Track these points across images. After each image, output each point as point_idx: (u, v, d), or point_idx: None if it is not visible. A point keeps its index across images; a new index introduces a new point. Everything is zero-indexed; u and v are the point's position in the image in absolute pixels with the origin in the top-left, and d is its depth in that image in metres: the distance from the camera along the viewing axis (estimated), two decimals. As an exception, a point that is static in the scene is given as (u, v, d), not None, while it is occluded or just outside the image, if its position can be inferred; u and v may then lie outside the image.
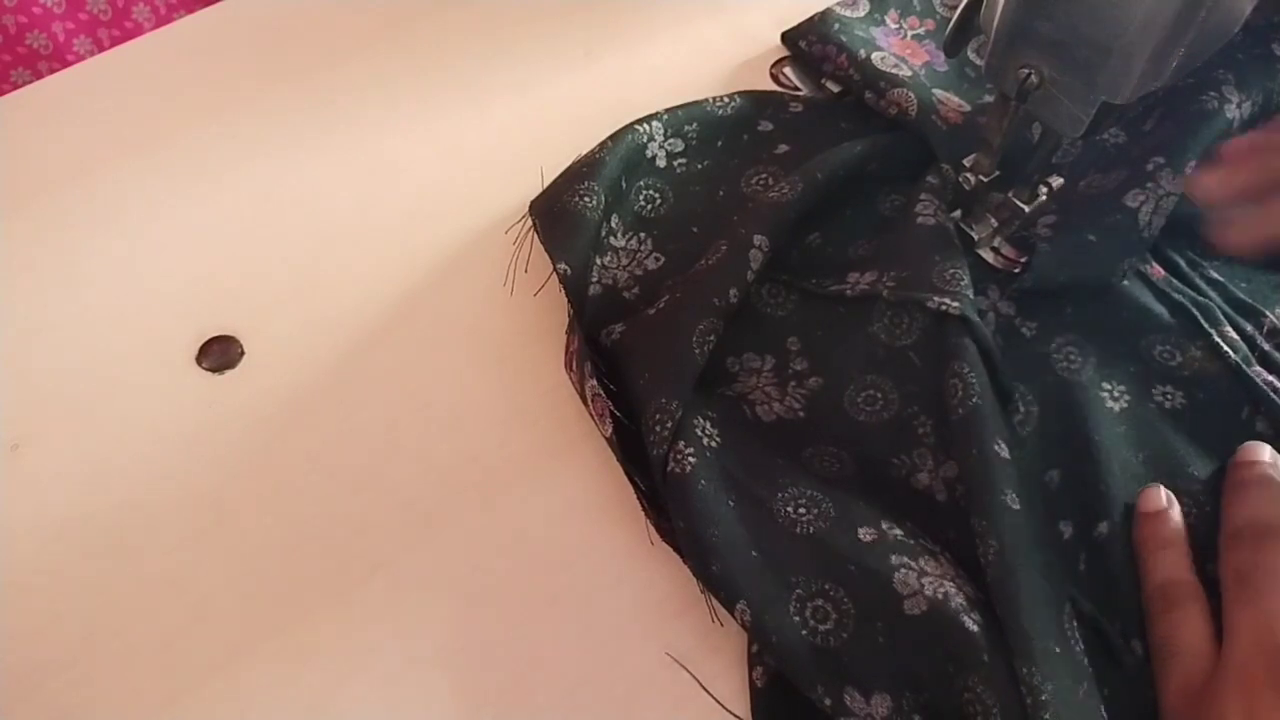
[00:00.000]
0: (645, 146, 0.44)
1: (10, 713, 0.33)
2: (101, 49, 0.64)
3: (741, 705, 0.33)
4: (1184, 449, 0.36)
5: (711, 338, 0.37)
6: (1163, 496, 0.34)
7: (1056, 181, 0.39)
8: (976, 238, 0.41)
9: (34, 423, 0.39)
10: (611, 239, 0.42)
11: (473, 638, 0.34)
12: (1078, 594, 0.33)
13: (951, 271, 0.37)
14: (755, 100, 0.46)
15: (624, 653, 0.34)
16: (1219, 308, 0.39)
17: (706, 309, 0.37)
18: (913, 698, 0.31)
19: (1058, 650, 0.30)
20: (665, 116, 0.44)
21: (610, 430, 0.35)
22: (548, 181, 0.43)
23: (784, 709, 0.32)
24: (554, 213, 0.41)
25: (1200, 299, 0.39)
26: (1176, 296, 0.39)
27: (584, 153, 0.43)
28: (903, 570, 0.32)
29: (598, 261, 0.41)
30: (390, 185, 0.46)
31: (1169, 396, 0.37)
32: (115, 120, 0.48)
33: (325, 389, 0.40)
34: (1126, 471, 0.35)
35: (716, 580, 0.33)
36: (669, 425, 0.35)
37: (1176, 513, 0.34)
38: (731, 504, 0.34)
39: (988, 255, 0.41)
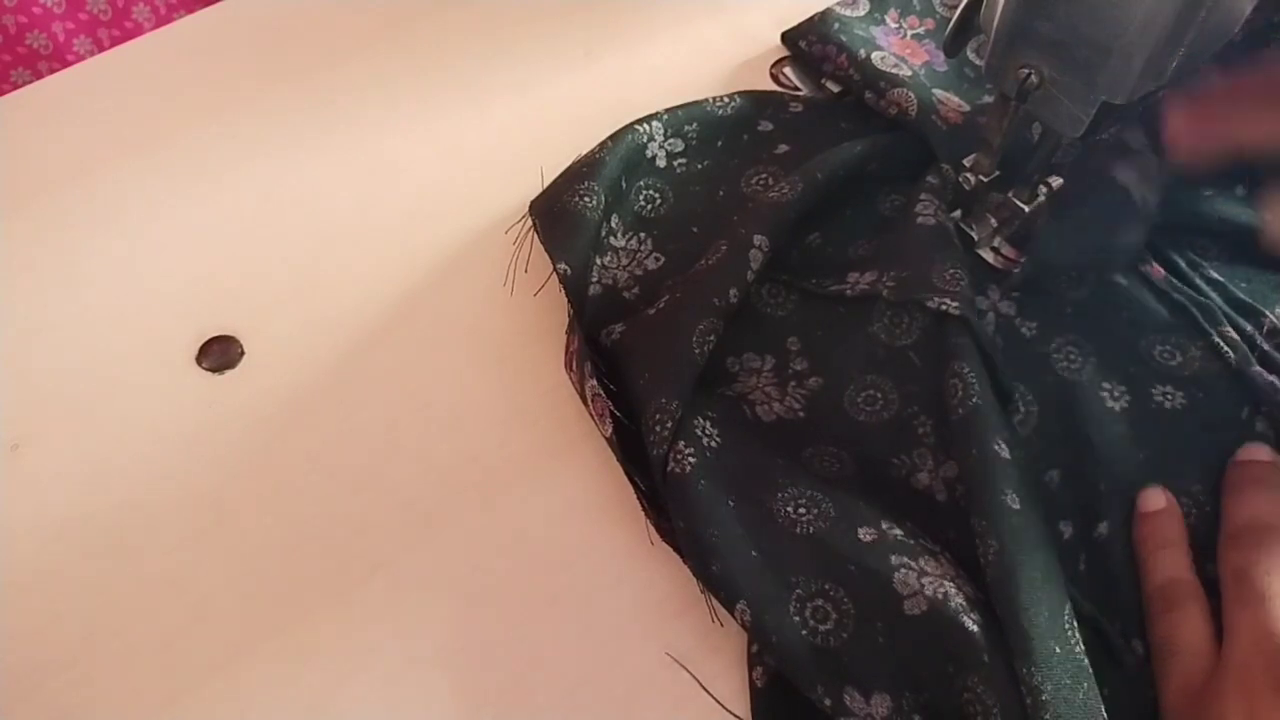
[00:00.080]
0: (645, 146, 0.44)
1: (10, 713, 0.33)
2: (101, 49, 0.64)
3: (741, 705, 0.33)
4: (1184, 449, 0.36)
5: (711, 338, 0.37)
6: (1163, 496, 0.34)
7: (1056, 181, 0.39)
8: (976, 238, 0.41)
9: (34, 423, 0.39)
10: (611, 239, 0.42)
11: (473, 638, 0.34)
12: (1078, 594, 0.33)
13: (951, 271, 0.37)
14: (755, 100, 0.46)
15: (624, 653, 0.34)
16: (1219, 308, 0.39)
17: (706, 309, 0.37)
18: (913, 698, 0.31)
19: (1058, 650, 0.30)
20: (665, 116, 0.44)
21: (610, 430, 0.35)
22: (548, 181, 0.43)
23: (784, 709, 0.32)
24: (554, 213, 0.41)
25: (1200, 299, 0.39)
26: (1176, 296, 0.39)
27: (584, 153, 0.43)
28: (903, 570, 0.32)
29: (598, 261, 0.41)
30: (390, 185, 0.46)
31: (1169, 396, 0.37)
32: (115, 120, 0.48)
33: (325, 389, 0.40)
34: (1126, 471, 0.35)
35: (716, 580, 0.33)
36: (669, 425, 0.35)
37: (1176, 513, 0.34)
38: (731, 504, 0.34)
39: (988, 255, 0.41)
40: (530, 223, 0.42)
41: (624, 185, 0.43)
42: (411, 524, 0.37)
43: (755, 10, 0.51)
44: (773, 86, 0.49)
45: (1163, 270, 0.40)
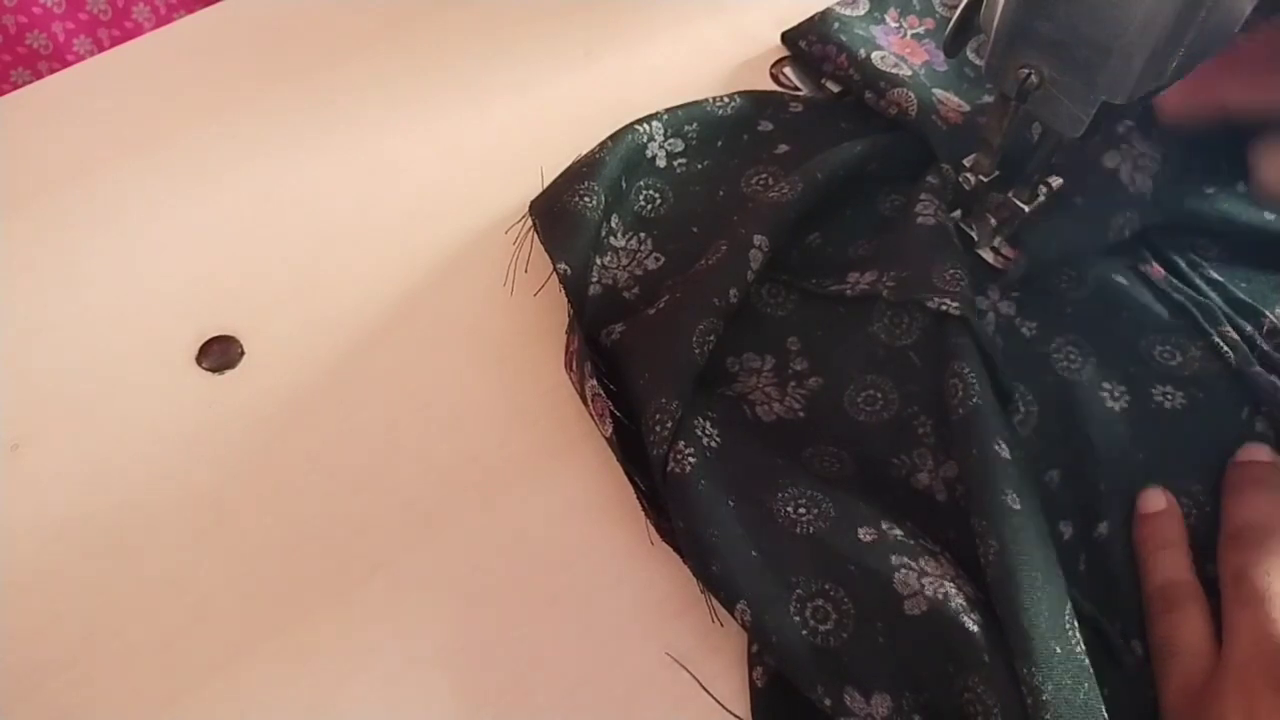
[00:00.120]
0: (645, 146, 0.44)
1: (10, 713, 0.33)
2: (101, 49, 0.64)
3: (741, 705, 0.33)
4: (1184, 449, 0.36)
5: (711, 338, 0.37)
6: (1163, 497, 0.34)
7: (1056, 181, 0.39)
8: (976, 238, 0.41)
9: (34, 423, 0.39)
10: (611, 239, 0.42)
11: (473, 638, 0.34)
12: (1078, 594, 0.33)
13: (951, 272, 0.37)
14: (755, 100, 0.46)
15: (624, 653, 0.34)
16: (1219, 308, 0.39)
17: (706, 309, 0.37)
18: (913, 698, 0.31)
19: (1058, 650, 0.30)
20: (665, 116, 0.44)
21: (610, 430, 0.35)
22: (548, 181, 0.43)
23: (784, 709, 0.32)
24: (554, 213, 0.41)
25: (1200, 299, 0.39)
26: (1176, 296, 0.39)
27: (584, 153, 0.43)
28: (903, 570, 0.32)
29: (598, 261, 0.41)
30: (390, 185, 0.46)
31: (1169, 396, 0.37)
32: (115, 120, 0.48)
33: (325, 389, 0.40)
34: (1126, 472, 0.35)
35: (716, 580, 0.33)
36: (669, 425, 0.35)
37: (1176, 513, 0.34)
38: (731, 504, 0.34)
39: (988, 255, 0.41)
40: (530, 223, 0.42)
41: (624, 185, 0.43)
42: (411, 524, 0.37)
43: (755, 10, 0.51)
44: (773, 86, 0.49)
45: (1163, 270, 0.40)
